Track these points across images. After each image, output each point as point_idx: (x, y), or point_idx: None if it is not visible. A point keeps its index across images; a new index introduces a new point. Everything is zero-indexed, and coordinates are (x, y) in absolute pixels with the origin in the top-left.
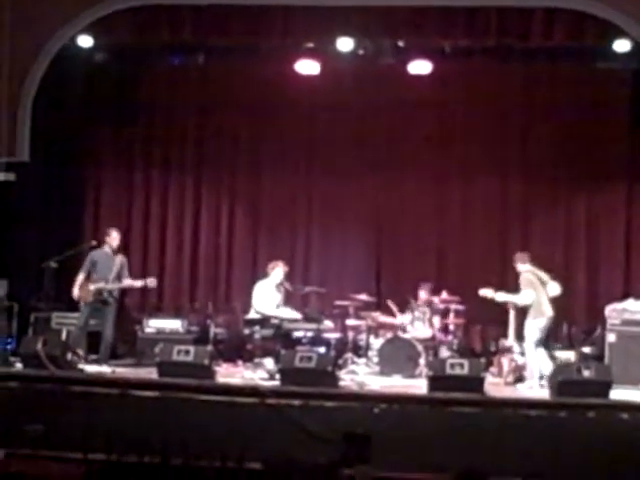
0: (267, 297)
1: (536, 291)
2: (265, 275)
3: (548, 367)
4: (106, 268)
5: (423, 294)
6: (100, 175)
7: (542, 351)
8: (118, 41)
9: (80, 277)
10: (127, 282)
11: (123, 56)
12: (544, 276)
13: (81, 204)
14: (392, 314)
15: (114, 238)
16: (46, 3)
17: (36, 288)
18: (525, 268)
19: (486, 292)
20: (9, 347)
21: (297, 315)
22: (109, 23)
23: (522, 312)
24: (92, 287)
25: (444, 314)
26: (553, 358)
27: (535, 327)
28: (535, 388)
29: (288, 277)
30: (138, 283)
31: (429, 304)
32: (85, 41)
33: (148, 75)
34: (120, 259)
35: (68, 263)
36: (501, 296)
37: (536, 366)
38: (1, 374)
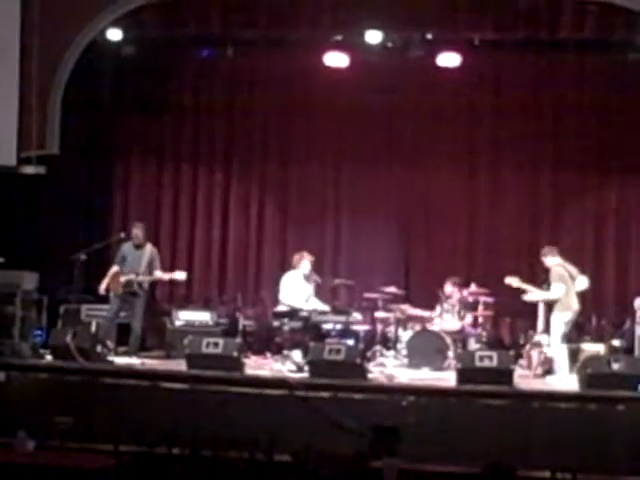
0: (295, 289)
1: (565, 285)
2: (292, 267)
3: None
4: (135, 261)
5: (449, 288)
6: (129, 167)
7: (565, 346)
8: (147, 34)
9: (114, 269)
10: (157, 275)
11: (152, 49)
12: (573, 270)
13: (110, 197)
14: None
15: (136, 232)
16: None
17: (66, 280)
18: (555, 261)
19: (512, 280)
20: (39, 339)
21: (325, 307)
22: (138, 16)
23: (551, 305)
24: (123, 279)
25: (473, 306)
26: (579, 351)
27: (561, 321)
28: (564, 380)
29: (317, 269)
30: (167, 276)
31: (458, 297)
32: (114, 34)
33: (177, 68)
34: (150, 250)
35: (97, 255)
36: (533, 295)
37: (563, 359)
38: (31, 366)
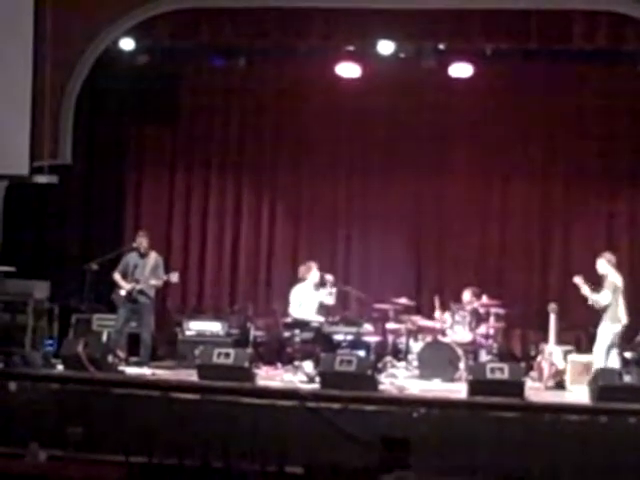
0: (305, 302)
1: (616, 296)
2: (301, 279)
3: None
4: (139, 269)
5: (467, 295)
6: (141, 177)
7: (615, 355)
8: (159, 44)
9: (116, 277)
10: (152, 282)
11: (164, 58)
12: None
13: (122, 206)
14: (433, 310)
15: (140, 241)
16: (88, 7)
17: (77, 290)
18: (611, 271)
19: (579, 281)
20: (50, 349)
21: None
22: (151, 26)
23: (561, 316)
24: (122, 292)
25: (484, 318)
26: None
27: (610, 332)
28: None
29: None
30: (161, 281)
31: (471, 308)
32: (127, 44)
33: (189, 77)
34: (155, 258)
35: (109, 265)
36: (586, 289)
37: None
38: (43, 376)
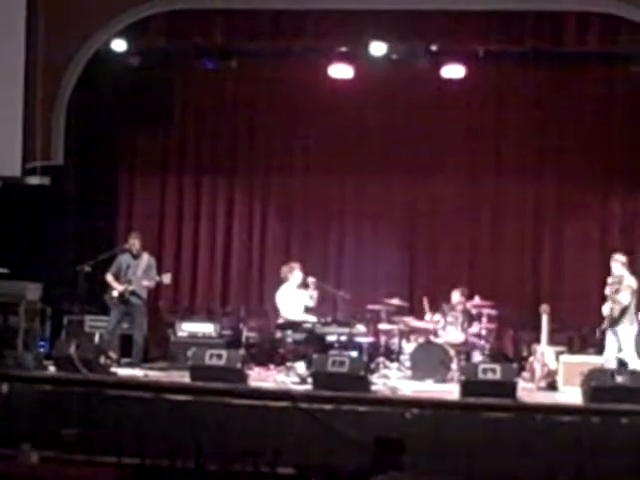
0: (291, 302)
1: (632, 297)
2: (283, 280)
3: None
4: (132, 271)
5: (456, 296)
6: (133, 178)
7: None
8: (151, 45)
9: (109, 278)
10: (144, 283)
11: (156, 60)
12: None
13: (114, 207)
14: (423, 313)
15: (133, 242)
16: (80, 8)
17: (70, 291)
18: (626, 273)
19: (611, 282)
20: (43, 350)
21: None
22: (142, 28)
23: (553, 317)
24: (114, 293)
25: (477, 319)
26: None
27: (632, 333)
28: None
29: (320, 281)
30: (153, 282)
31: (461, 308)
32: (119, 45)
33: (181, 79)
34: (147, 259)
35: (102, 266)
36: (608, 290)
37: None
38: (35, 377)
